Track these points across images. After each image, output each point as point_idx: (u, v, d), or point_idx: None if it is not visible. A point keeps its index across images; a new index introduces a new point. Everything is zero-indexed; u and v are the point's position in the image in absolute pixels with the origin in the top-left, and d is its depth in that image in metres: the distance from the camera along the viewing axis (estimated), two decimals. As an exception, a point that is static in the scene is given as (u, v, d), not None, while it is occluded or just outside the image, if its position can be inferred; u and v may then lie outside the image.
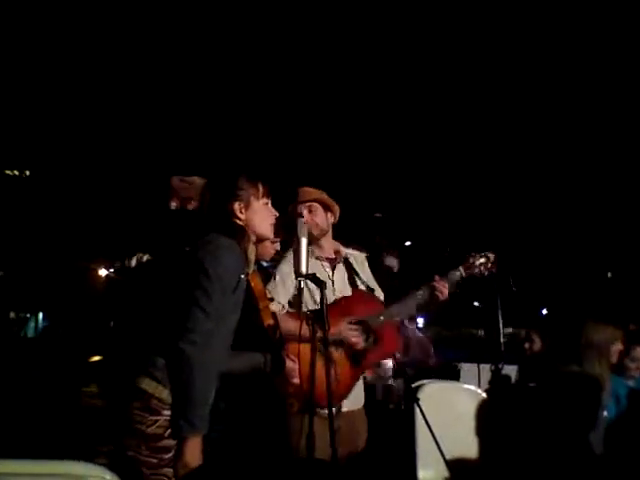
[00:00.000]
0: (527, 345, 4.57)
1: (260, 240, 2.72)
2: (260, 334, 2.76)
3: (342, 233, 3.49)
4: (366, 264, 3.51)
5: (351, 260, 3.42)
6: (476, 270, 3.29)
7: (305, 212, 3.28)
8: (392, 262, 4.13)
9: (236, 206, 2.56)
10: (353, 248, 3.52)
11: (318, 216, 3.32)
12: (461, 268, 3.30)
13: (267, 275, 3.26)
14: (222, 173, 2.68)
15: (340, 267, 3.37)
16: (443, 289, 3.21)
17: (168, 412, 2.24)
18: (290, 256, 3.10)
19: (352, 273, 3.37)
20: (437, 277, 3.24)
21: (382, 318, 3.18)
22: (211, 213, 2.56)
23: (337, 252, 3.40)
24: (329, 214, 3.35)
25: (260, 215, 2.63)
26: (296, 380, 2.72)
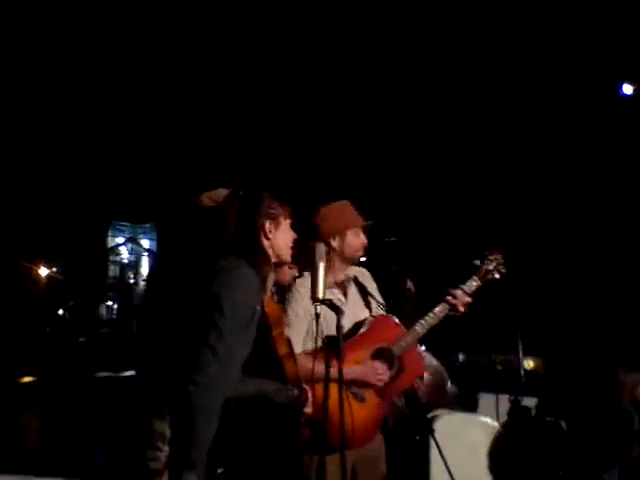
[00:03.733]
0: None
1: (279, 264, 2.84)
2: (273, 363, 2.85)
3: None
4: (373, 280, 3.59)
5: (360, 279, 3.52)
6: (490, 276, 3.42)
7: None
8: (410, 286, 4.29)
9: (267, 225, 2.66)
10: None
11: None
12: (475, 277, 3.40)
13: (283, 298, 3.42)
14: (253, 188, 2.74)
15: (352, 290, 3.47)
16: (462, 302, 3.33)
17: (167, 447, 2.38)
18: (302, 292, 3.25)
19: (365, 294, 3.48)
20: (451, 291, 3.35)
21: (404, 344, 3.29)
22: (239, 230, 2.62)
23: (346, 274, 3.47)
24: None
25: (285, 236, 2.74)
26: (308, 409, 2.81)
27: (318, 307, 2.83)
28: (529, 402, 4.99)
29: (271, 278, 2.77)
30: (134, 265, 72.65)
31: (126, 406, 2.69)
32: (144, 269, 71.69)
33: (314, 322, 3.17)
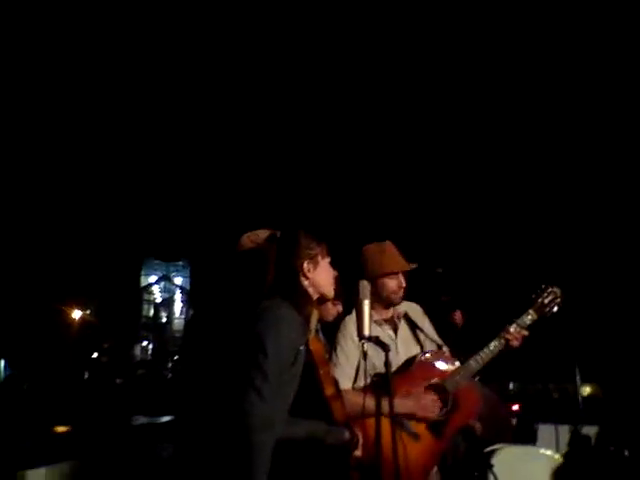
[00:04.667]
0: None
1: (322, 301, 2.87)
2: (320, 402, 2.88)
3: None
4: (425, 315, 3.59)
5: (411, 315, 3.52)
6: (546, 309, 3.39)
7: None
8: (458, 318, 4.25)
9: (306, 265, 2.71)
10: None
11: None
12: (531, 311, 3.38)
13: (329, 334, 3.42)
14: (289, 230, 2.81)
15: (402, 326, 3.47)
16: (518, 337, 3.31)
17: None
18: (350, 330, 3.22)
19: (415, 330, 3.48)
20: (507, 327, 3.33)
21: (458, 379, 3.26)
22: (278, 272, 2.69)
23: (395, 311, 3.49)
24: None
25: (326, 274, 2.78)
26: (358, 452, 2.80)
27: (365, 344, 2.79)
28: (589, 430, 4.86)
29: (314, 317, 2.79)
30: (167, 303, 73.20)
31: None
32: (177, 307, 72.24)
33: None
